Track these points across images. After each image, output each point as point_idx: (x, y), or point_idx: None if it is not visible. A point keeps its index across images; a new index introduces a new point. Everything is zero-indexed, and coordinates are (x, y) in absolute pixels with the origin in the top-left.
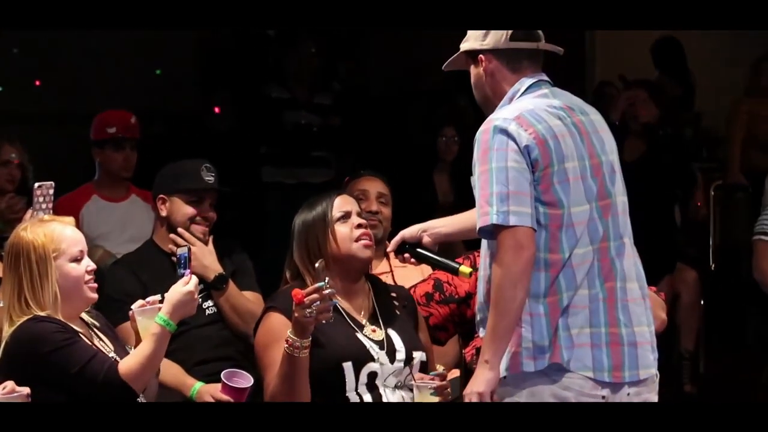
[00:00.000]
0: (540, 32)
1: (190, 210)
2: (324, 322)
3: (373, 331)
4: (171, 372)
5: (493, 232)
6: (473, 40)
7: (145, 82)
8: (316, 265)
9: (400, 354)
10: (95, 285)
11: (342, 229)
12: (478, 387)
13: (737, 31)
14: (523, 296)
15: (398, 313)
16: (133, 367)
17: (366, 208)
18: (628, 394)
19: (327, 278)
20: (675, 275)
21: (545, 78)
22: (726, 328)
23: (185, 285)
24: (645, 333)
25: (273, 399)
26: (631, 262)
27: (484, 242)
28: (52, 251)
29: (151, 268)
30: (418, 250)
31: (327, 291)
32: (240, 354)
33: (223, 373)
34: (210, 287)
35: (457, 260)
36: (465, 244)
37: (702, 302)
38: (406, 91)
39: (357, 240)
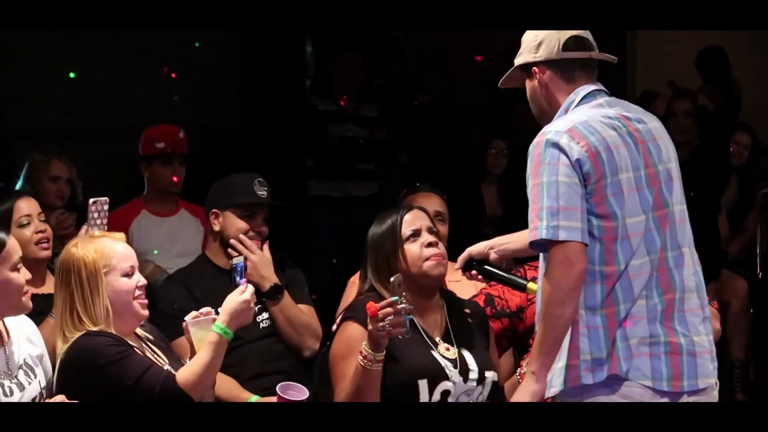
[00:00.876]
0: (593, 41)
1: (243, 224)
2: (400, 337)
3: (447, 349)
4: (226, 386)
5: (544, 246)
6: (526, 53)
7: (188, 97)
8: (392, 279)
9: (473, 373)
10: (146, 301)
11: (413, 248)
12: (523, 398)
13: None
14: (572, 312)
15: (472, 331)
16: (190, 377)
17: None
18: None
19: (403, 293)
20: (723, 283)
21: (601, 87)
22: None
23: (241, 294)
24: (704, 342)
25: None
26: (690, 272)
27: (541, 255)
28: (103, 266)
29: (204, 283)
30: (486, 267)
31: (401, 306)
32: (294, 367)
33: (278, 386)
34: (266, 296)
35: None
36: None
37: (751, 310)
38: (455, 104)
39: (428, 259)
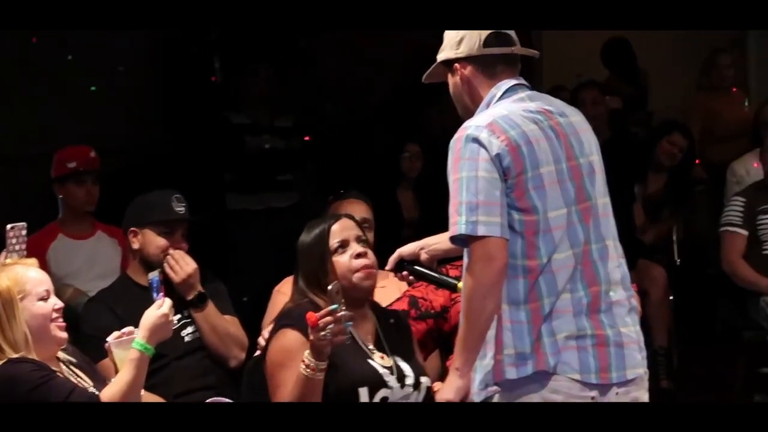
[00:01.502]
0: (515, 37)
1: (162, 242)
2: (346, 343)
3: (382, 357)
4: None
5: (465, 241)
6: (448, 49)
7: (102, 118)
8: (329, 287)
9: (409, 379)
10: (63, 324)
11: (342, 260)
12: (447, 394)
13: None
14: (493, 307)
15: (400, 338)
16: (114, 395)
17: None
18: (617, 394)
19: (342, 300)
20: (640, 272)
21: (523, 82)
22: (696, 322)
23: (159, 308)
24: (631, 333)
25: None
26: (615, 264)
27: (465, 250)
28: (18, 293)
29: (127, 302)
30: (416, 267)
31: (341, 313)
32: (221, 382)
33: (206, 402)
34: (191, 305)
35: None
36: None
37: (671, 298)
38: (367, 108)
39: (357, 271)
